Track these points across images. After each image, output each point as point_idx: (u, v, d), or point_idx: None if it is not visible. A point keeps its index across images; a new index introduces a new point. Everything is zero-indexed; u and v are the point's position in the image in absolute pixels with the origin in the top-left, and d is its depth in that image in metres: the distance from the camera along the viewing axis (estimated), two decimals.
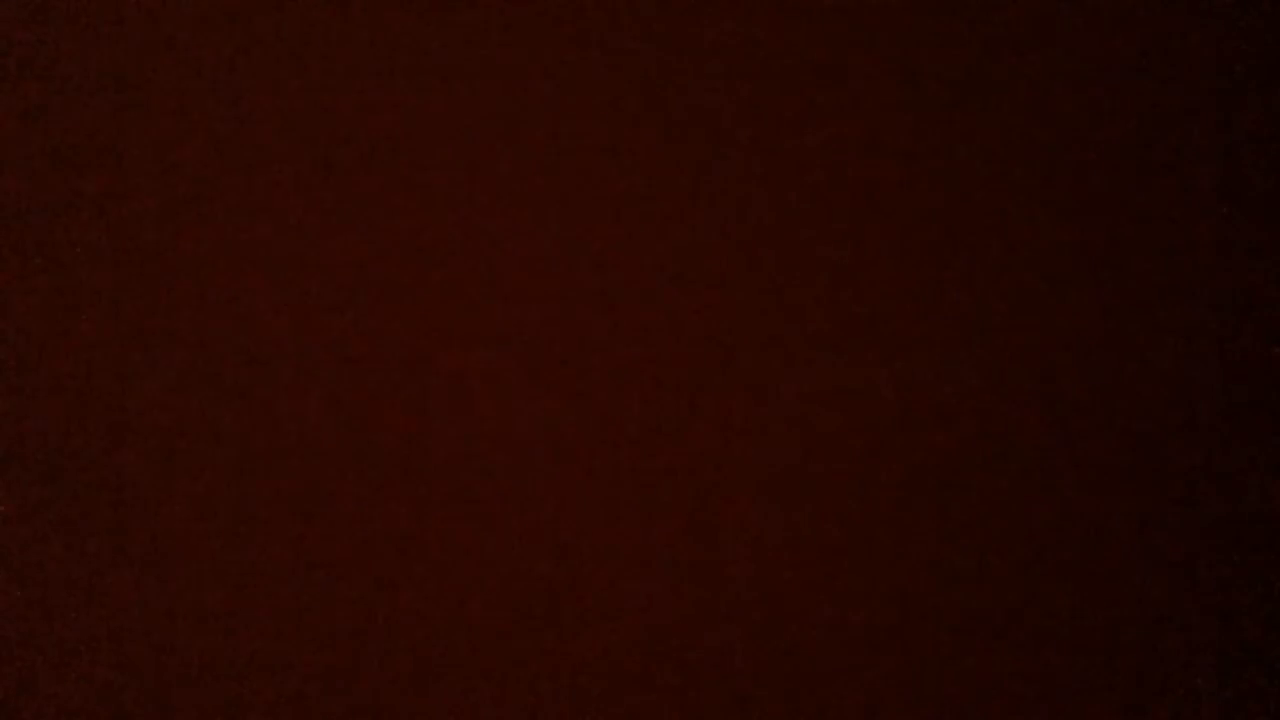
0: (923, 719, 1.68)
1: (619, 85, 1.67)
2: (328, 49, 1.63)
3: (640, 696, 1.65)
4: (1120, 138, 1.72)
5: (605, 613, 1.65)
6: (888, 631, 1.68)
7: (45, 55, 1.59)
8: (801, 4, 1.69)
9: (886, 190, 1.70)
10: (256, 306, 1.62)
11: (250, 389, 1.62)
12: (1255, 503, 1.71)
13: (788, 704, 1.67)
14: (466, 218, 1.65)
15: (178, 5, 1.61)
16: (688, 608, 1.66)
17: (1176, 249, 1.72)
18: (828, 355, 1.68)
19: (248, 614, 1.61)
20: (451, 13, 1.65)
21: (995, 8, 1.71)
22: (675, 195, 1.67)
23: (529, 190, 1.66)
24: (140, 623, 1.60)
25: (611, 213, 1.67)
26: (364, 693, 1.62)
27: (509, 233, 1.65)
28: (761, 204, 1.68)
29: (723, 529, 1.67)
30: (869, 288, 1.69)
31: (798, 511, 1.68)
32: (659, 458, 1.66)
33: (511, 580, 1.65)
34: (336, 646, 1.62)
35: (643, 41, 1.67)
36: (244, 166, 1.62)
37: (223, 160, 1.62)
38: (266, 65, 1.62)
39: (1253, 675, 1.71)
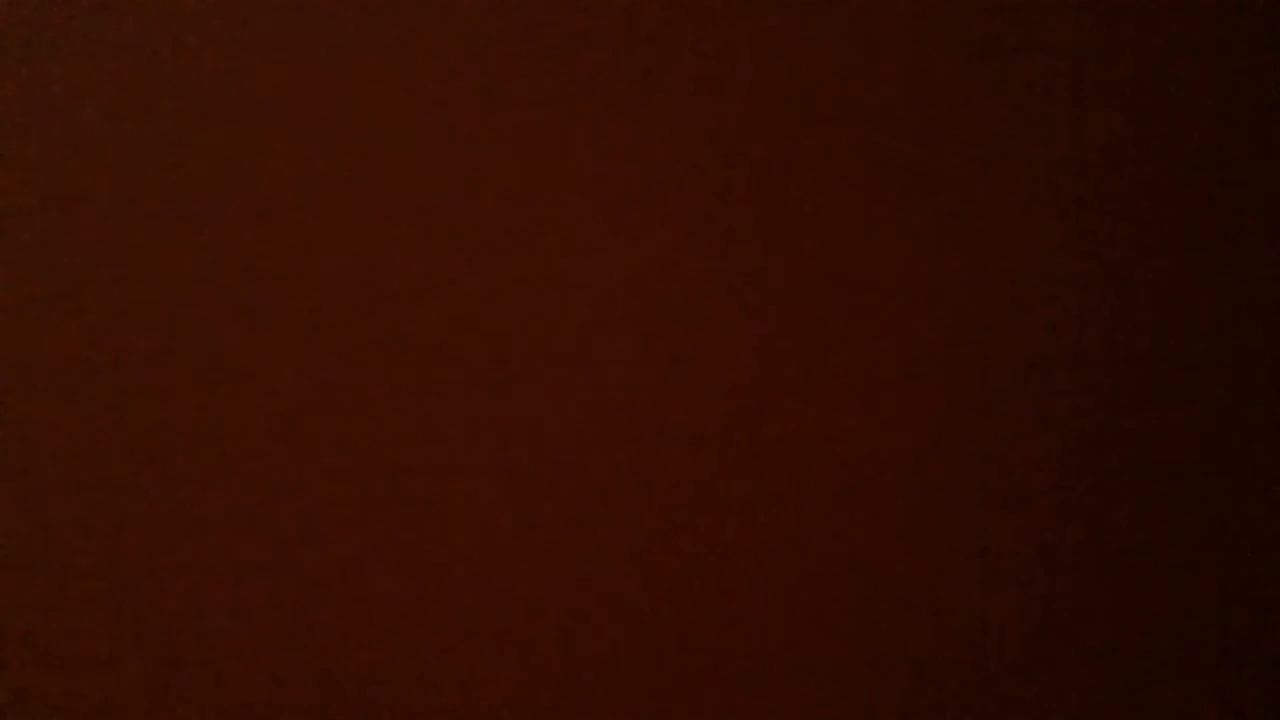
0: (923, 718, 1.68)
1: (619, 86, 1.67)
2: (328, 49, 1.64)
3: (639, 695, 1.66)
4: (1120, 138, 1.72)
5: (603, 612, 1.66)
6: (888, 631, 1.69)
7: (46, 54, 1.60)
8: (810, 4, 1.69)
9: (886, 190, 1.70)
10: (256, 306, 1.62)
11: (250, 388, 1.62)
12: (1255, 502, 1.71)
13: (788, 704, 1.67)
14: (467, 218, 1.66)
15: (179, 6, 1.62)
16: (685, 608, 1.67)
17: (1177, 249, 1.72)
18: (827, 354, 1.68)
19: (246, 615, 1.62)
20: (452, 12, 1.65)
21: (998, 8, 1.71)
22: (671, 195, 1.68)
23: (527, 190, 1.66)
24: (141, 621, 1.61)
25: (609, 215, 1.67)
26: (363, 692, 1.63)
27: (508, 233, 1.66)
28: (759, 204, 1.69)
29: (721, 528, 1.67)
30: (868, 287, 1.69)
31: (798, 510, 1.68)
32: (658, 457, 1.67)
33: (510, 580, 1.65)
34: (336, 648, 1.63)
35: (643, 41, 1.67)
36: (244, 166, 1.63)
37: (223, 160, 1.63)
38: (267, 65, 1.63)
39: (1253, 675, 1.71)
